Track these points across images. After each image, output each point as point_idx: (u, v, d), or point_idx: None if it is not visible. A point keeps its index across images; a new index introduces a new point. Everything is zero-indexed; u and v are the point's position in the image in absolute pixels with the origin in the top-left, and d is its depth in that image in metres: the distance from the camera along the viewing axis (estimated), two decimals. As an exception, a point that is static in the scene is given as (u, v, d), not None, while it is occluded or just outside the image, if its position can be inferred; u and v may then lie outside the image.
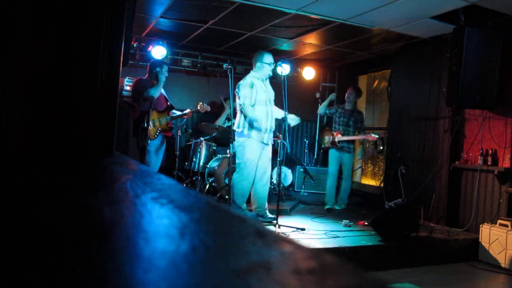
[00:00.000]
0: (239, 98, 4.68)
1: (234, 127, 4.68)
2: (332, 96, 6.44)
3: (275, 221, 4.60)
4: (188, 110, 5.39)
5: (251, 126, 4.62)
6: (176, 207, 0.77)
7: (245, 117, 4.64)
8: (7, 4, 1.20)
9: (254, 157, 4.68)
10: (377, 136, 5.85)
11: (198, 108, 5.39)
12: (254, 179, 4.75)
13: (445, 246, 4.61)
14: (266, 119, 4.71)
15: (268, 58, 4.76)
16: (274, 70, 4.91)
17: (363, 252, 4.12)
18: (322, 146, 6.42)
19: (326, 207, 6.08)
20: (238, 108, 4.71)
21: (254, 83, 4.67)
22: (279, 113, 4.90)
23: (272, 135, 4.84)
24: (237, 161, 4.71)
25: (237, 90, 4.69)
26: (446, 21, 4.80)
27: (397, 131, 6.35)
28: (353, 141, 6.09)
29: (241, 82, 4.74)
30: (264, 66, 4.73)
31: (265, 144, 4.75)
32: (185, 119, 6.10)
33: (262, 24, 5.47)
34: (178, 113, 5.38)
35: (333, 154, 6.10)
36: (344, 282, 0.43)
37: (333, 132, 6.09)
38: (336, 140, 6.00)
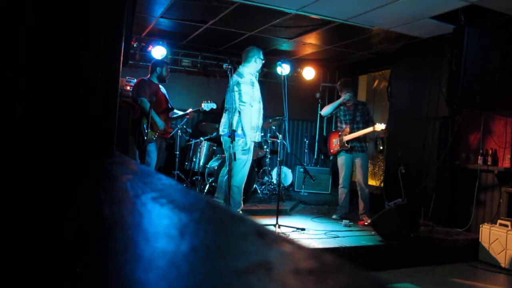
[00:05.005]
0: (240, 95, 4.49)
1: (234, 127, 4.44)
2: (347, 96, 5.37)
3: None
4: (190, 110, 5.38)
5: (244, 125, 4.50)
6: (176, 207, 0.77)
7: (239, 114, 4.50)
8: (10, 4, 1.20)
9: (249, 156, 4.61)
10: (384, 126, 5.06)
11: (203, 106, 5.37)
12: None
13: (445, 246, 4.61)
14: (259, 116, 4.65)
15: (262, 54, 4.78)
16: (274, 70, 4.92)
17: (363, 252, 4.13)
18: (332, 151, 5.53)
19: (335, 216, 5.44)
20: (237, 105, 4.49)
21: (253, 81, 4.60)
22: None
23: (260, 133, 4.73)
24: (226, 158, 4.58)
25: (237, 87, 4.50)
26: (446, 21, 4.80)
27: (397, 131, 6.35)
28: (364, 139, 5.31)
29: (239, 79, 4.53)
30: (258, 61, 4.72)
31: (256, 142, 4.76)
32: (186, 119, 6.10)
33: (262, 24, 5.47)
34: (180, 113, 5.37)
35: (343, 158, 5.33)
36: (344, 282, 0.43)
37: (340, 133, 5.41)
38: (344, 140, 5.29)
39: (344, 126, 5.39)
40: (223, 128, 4.64)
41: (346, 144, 5.29)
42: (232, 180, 4.50)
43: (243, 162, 4.57)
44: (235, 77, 4.54)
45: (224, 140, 4.66)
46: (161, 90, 5.26)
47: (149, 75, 5.24)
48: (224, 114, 4.70)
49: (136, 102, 4.97)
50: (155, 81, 5.21)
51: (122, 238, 0.60)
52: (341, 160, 5.39)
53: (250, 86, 4.55)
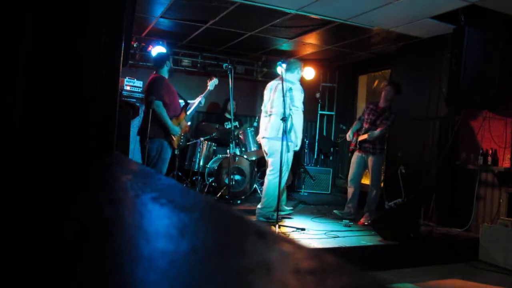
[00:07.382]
0: (292, 100, 4.62)
1: (279, 133, 4.57)
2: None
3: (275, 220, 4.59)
4: (199, 97, 5.10)
5: (297, 128, 4.67)
6: (176, 207, 0.77)
7: (285, 120, 4.50)
8: (12, 4, 1.20)
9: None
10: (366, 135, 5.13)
11: (208, 85, 5.20)
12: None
13: (445, 246, 4.61)
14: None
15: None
16: (274, 70, 5.06)
17: (363, 252, 4.12)
18: (350, 148, 5.58)
19: (336, 211, 5.45)
20: (285, 110, 4.50)
21: (302, 89, 4.77)
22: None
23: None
24: (273, 161, 4.68)
25: (289, 93, 4.60)
26: (446, 21, 4.80)
27: (397, 131, 6.34)
28: (380, 141, 5.24)
29: (291, 85, 4.67)
30: (300, 73, 4.93)
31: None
32: (189, 117, 5.92)
33: (262, 24, 5.47)
34: (194, 102, 5.01)
35: (356, 156, 5.36)
36: (344, 282, 0.43)
37: (359, 133, 5.40)
38: (359, 139, 5.30)
39: (364, 125, 5.33)
40: (270, 131, 4.71)
41: (357, 145, 5.34)
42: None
43: (287, 166, 4.74)
44: (285, 84, 4.61)
45: (271, 143, 4.71)
46: None
47: (157, 70, 4.55)
48: (266, 117, 4.81)
49: (149, 104, 4.24)
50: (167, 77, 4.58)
51: (122, 238, 0.60)
52: (354, 158, 5.42)
53: (300, 92, 4.72)
